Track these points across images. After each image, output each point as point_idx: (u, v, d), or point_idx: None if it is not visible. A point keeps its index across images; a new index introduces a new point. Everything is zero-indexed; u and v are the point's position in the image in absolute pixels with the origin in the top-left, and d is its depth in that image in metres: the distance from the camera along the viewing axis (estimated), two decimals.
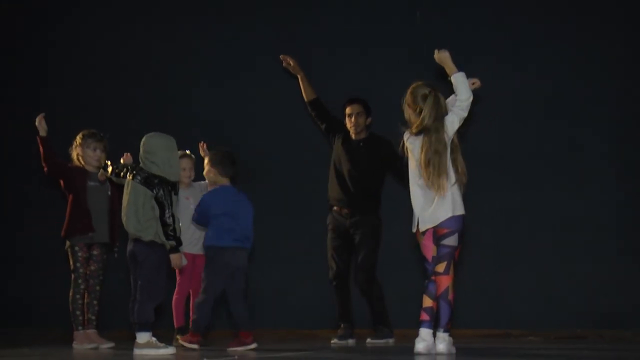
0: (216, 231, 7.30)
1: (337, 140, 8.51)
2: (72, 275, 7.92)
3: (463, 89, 6.41)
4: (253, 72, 10.13)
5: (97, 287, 7.99)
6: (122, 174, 7.04)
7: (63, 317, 8.60)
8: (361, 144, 8.42)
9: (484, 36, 9.48)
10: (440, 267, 6.37)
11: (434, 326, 6.37)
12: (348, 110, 8.45)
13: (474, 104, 6.48)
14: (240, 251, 7.35)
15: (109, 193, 8.02)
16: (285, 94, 9.66)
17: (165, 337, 7.24)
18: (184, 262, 7.16)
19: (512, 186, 9.34)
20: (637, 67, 9.20)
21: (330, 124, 8.58)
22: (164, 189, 6.80)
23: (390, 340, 8.23)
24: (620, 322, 8.82)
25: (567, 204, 9.21)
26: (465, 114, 6.44)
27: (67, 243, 7.97)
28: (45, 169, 8.00)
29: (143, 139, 6.97)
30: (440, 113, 6.41)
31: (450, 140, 6.43)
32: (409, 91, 6.52)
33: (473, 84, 6.53)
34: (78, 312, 7.88)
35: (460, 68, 6.47)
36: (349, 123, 8.44)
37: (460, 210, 6.38)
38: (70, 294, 7.91)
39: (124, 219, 6.90)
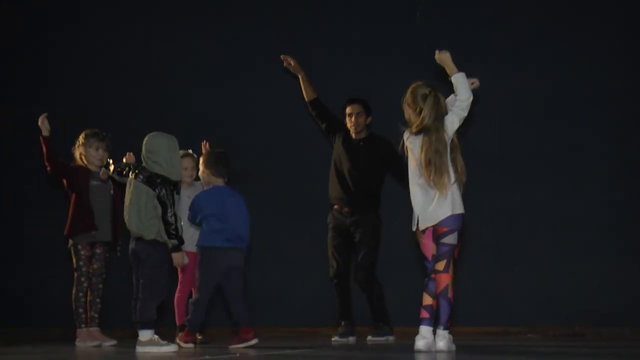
0: (207, 232, 7.42)
1: (338, 139, 8.58)
2: (75, 274, 8.05)
3: (463, 89, 6.48)
4: (253, 72, 10.16)
5: (100, 286, 8.12)
6: (124, 173, 7.15)
7: (63, 317, 8.76)
8: (361, 143, 8.50)
9: (484, 36, 9.51)
10: (440, 265, 6.44)
11: (434, 324, 6.43)
12: (348, 110, 8.53)
13: (473, 103, 6.53)
14: (233, 251, 7.43)
15: (112, 192, 8.16)
16: (285, 94, 9.72)
17: (167, 334, 7.31)
18: (186, 260, 7.35)
19: (512, 186, 9.35)
20: (637, 67, 9.23)
21: (331, 123, 8.66)
22: (166, 189, 6.92)
23: (391, 338, 8.32)
24: (619, 321, 8.84)
25: (567, 203, 9.23)
26: (465, 114, 6.51)
27: (70, 242, 8.10)
28: (49, 168, 8.13)
29: (146, 139, 7.06)
30: (440, 113, 6.47)
31: (450, 140, 6.49)
32: (409, 91, 6.58)
33: (472, 83, 6.59)
34: (81, 310, 8.02)
35: (460, 68, 6.53)
36: (349, 123, 8.51)
37: (459, 209, 6.45)
38: (73, 292, 8.04)
39: (126, 217, 7.00)
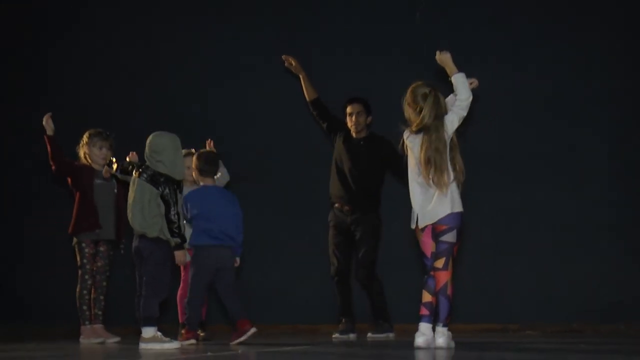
0: (194, 231, 7.55)
1: (338, 139, 8.72)
2: (79, 271, 8.21)
3: (463, 89, 6.63)
4: (253, 72, 10.27)
5: (104, 283, 8.29)
6: (127, 171, 7.33)
7: (66, 314, 8.96)
8: (362, 142, 8.64)
9: (484, 36, 9.63)
10: (439, 263, 6.57)
11: (434, 321, 6.55)
12: (349, 109, 8.67)
13: (473, 103, 6.66)
14: (223, 249, 7.57)
15: (115, 191, 8.31)
16: (285, 94, 9.84)
17: (170, 331, 7.43)
18: (188, 258, 7.48)
19: (512, 186, 9.48)
20: (637, 67, 9.36)
21: (331, 123, 8.79)
22: (169, 187, 7.08)
23: (391, 335, 8.46)
24: (617, 318, 8.97)
25: (566, 203, 9.35)
26: (465, 113, 6.64)
27: (74, 240, 8.26)
28: (53, 167, 8.28)
29: (150, 138, 7.19)
30: (440, 112, 6.60)
31: (449, 139, 6.62)
32: (409, 90, 6.69)
33: (471, 83, 6.71)
34: (85, 307, 8.18)
35: (460, 68, 6.66)
36: (349, 122, 8.65)
37: (458, 208, 6.59)
38: (77, 289, 8.20)
39: (129, 215, 7.15)
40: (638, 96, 9.36)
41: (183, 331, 7.73)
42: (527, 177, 9.54)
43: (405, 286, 8.56)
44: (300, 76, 8.84)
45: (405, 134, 6.74)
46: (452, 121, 6.65)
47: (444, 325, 6.56)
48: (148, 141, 7.22)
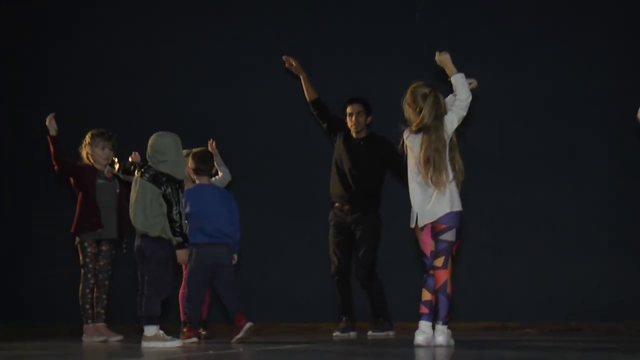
0: (190, 229, 7.54)
1: (339, 139, 8.82)
2: (82, 271, 8.34)
3: (462, 89, 6.73)
4: (253, 72, 10.35)
5: (106, 282, 8.42)
6: (129, 170, 7.48)
7: (66, 314, 9.13)
8: (362, 142, 8.75)
9: (484, 36, 9.73)
10: (439, 262, 6.66)
11: (433, 319, 6.64)
12: (349, 109, 8.77)
13: (473, 103, 6.75)
14: (218, 246, 7.70)
15: (117, 190, 8.44)
16: (285, 94, 9.93)
17: (172, 330, 7.49)
18: None
19: (512, 186, 9.57)
20: (637, 67, 9.44)
21: (332, 123, 8.89)
22: (171, 187, 7.18)
23: (391, 333, 8.55)
24: (616, 317, 9.05)
25: (566, 203, 9.44)
26: (464, 113, 6.73)
27: (77, 239, 8.40)
28: (56, 167, 8.42)
29: (152, 138, 7.29)
30: (439, 112, 6.69)
31: (449, 139, 6.72)
32: (409, 90, 6.77)
33: (470, 84, 6.80)
34: (87, 306, 8.32)
35: (460, 68, 6.74)
36: (349, 122, 8.75)
37: (457, 207, 6.69)
38: (80, 288, 8.34)
39: (131, 215, 7.26)
40: (638, 96, 8.97)
41: (185, 329, 7.83)
42: (527, 177, 9.62)
43: (405, 285, 8.63)
44: (301, 77, 8.92)
45: (405, 134, 6.84)
46: (451, 121, 6.75)
47: (443, 324, 6.65)
48: (150, 141, 7.31)
